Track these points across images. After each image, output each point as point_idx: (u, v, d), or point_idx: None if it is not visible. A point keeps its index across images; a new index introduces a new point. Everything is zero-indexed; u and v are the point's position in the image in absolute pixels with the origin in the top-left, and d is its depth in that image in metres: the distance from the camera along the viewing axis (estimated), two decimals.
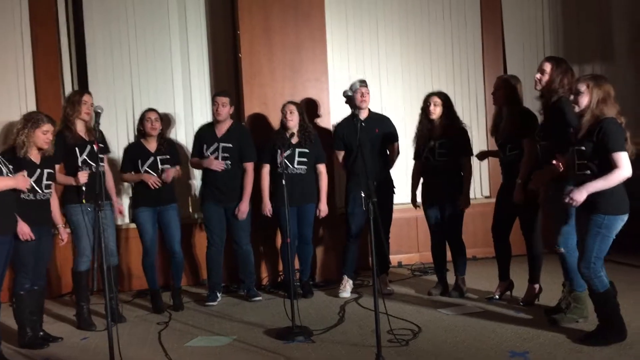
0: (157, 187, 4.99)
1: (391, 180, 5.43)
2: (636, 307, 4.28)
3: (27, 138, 4.15)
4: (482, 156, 5.20)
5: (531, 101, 4.84)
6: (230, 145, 5.23)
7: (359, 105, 5.15)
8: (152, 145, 5.11)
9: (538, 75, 4.26)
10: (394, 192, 5.45)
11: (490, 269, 5.35)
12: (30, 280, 4.24)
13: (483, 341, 3.94)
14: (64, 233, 4.52)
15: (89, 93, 4.80)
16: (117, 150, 5.76)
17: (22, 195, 4.14)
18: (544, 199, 4.36)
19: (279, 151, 4.54)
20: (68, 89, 5.86)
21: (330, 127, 5.88)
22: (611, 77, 5.02)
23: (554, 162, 3.90)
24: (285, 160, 5.13)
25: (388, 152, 5.44)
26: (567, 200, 3.61)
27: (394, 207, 5.51)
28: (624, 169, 3.53)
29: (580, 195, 3.56)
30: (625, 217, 3.65)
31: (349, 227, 5.35)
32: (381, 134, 5.31)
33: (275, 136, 5.28)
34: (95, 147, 3.88)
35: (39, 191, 4.23)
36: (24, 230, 4.09)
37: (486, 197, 6.66)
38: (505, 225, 4.84)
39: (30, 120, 4.19)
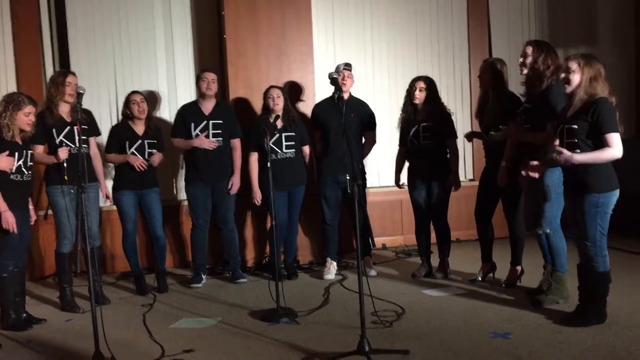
0: (143, 169, 4.95)
1: (364, 169, 5.45)
2: (618, 290, 4.34)
3: (11, 121, 4.09)
4: (469, 136, 5.20)
5: (517, 85, 4.86)
6: (221, 121, 5.21)
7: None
8: (139, 128, 5.05)
9: (521, 60, 4.29)
10: (365, 179, 5.52)
11: (473, 251, 5.40)
12: (13, 263, 4.21)
13: (466, 322, 3.99)
14: (34, 215, 4.46)
15: (73, 74, 4.69)
16: (101, 131, 5.69)
17: (12, 176, 4.11)
18: (524, 182, 4.40)
19: (266, 137, 4.53)
20: (49, 67, 5.79)
21: None
22: None
23: (524, 172, 3.86)
24: (273, 145, 5.13)
25: (363, 140, 5.42)
26: (553, 156, 3.62)
27: (379, 189, 5.53)
28: (616, 149, 3.55)
29: (565, 160, 3.56)
30: (618, 192, 3.68)
31: (323, 210, 5.37)
32: (357, 119, 5.29)
33: (259, 121, 5.22)
34: (77, 128, 3.82)
35: (25, 172, 4.21)
36: (9, 220, 4.04)
37: (470, 180, 6.71)
38: (488, 208, 4.88)
39: (12, 102, 4.12)
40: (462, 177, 6.66)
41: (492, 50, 6.77)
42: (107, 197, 4.98)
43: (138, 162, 4.93)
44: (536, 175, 3.86)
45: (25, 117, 4.14)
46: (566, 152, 3.58)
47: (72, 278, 4.74)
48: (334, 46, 6.45)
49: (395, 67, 6.63)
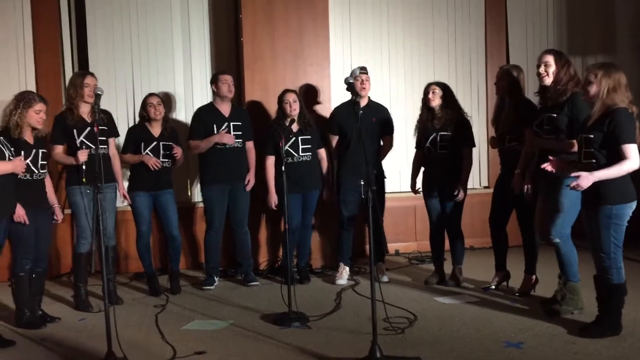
0: (157, 168, 4.98)
1: (382, 171, 5.44)
2: (634, 302, 4.28)
3: (21, 118, 4.14)
4: (493, 142, 5.16)
5: (533, 92, 4.82)
6: (240, 123, 5.26)
7: (359, 92, 5.12)
8: (156, 129, 5.10)
9: (542, 69, 4.23)
10: (384, 180, 5.49)
11: (487, 259, 5.36)
12: (31, 262, 4.25)
13: (478, 330, 3.96)
14: (59, 214, 4.51)
15: (92, 74, 4.73)
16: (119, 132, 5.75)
17: (20, 176, 4.14)
18: (530, 194, 4.38)
19: (281, 142, 4.55)
20: (68, 68, 5.86)
21: None
22: None
23: (547, 164, 3.82)
24: (290, 149, 5.14)
25: (382, 144, 5.42)
26: (572, 184, 3.58)
27: (393, 195, 5.50)
28: (632, 161, 3.51)
29: (587, 182, 3.51)
30: (634, 204, 3.63)
31: (341, 214, 5.36)
32: (378, 124, 5.29)
33: (275, 125, 5.20)
34: (95, 129, 3.86)
35: (35, 171, 4.25)
36: (19, 213, 4.10)
37: (485, 187, 6.67)
38: (502, 216, 4.84)
39: (22, 100, 4.17)
40: (477, 184, 6.67)
41: (509, 56, 6.72)
42: (125, 196, 5.02)
43: (152, 161, 4.97)
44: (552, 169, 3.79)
45: (36, 115, 4.18)
46: (583, 174, 3.51)
47: (87, 278, 4.78)
48: (350, 50, 6.45)
49: (411, 72, 6.61)
